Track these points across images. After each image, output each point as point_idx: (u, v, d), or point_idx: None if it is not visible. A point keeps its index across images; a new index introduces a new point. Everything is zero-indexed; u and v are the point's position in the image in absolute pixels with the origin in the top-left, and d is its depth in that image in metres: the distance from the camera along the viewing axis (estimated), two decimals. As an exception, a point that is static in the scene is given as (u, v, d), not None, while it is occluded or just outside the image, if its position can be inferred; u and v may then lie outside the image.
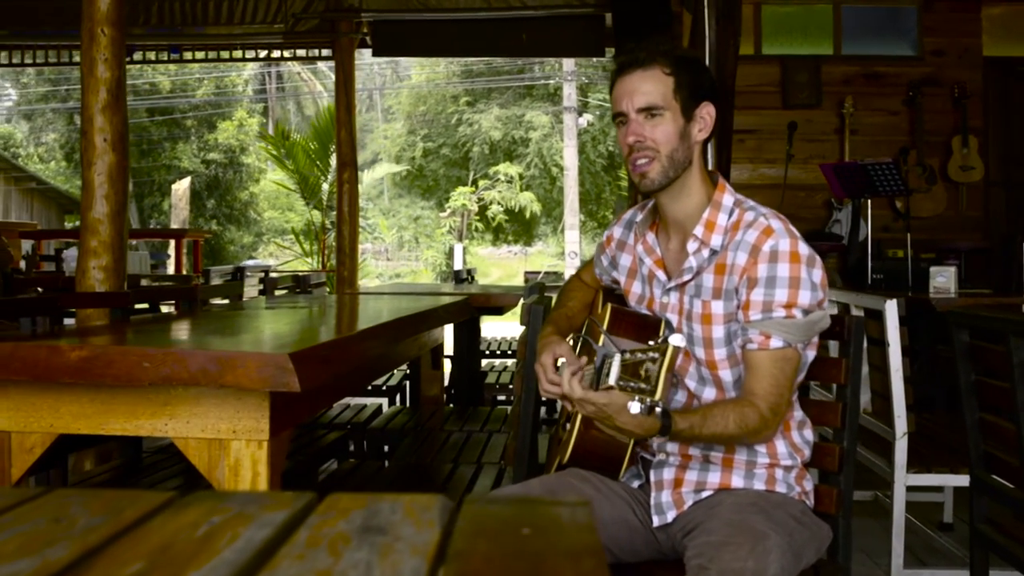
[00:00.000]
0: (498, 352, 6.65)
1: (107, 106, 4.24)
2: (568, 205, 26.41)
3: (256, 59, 11.28)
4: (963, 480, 3.08)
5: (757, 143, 8.01)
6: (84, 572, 0.61)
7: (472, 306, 4.62)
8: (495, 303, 5.03)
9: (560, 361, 2.12)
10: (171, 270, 13.00)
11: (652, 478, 2.15)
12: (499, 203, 28.12)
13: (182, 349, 2.09)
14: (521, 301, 3.70)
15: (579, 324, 2.43)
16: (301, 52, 11.00)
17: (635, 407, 1.72)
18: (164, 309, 4.80)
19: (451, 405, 5.14)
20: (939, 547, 4.04)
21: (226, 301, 5.00)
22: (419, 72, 31.49)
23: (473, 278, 8.15)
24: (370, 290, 7.29)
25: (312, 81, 31.19)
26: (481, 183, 28.66)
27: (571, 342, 2.30)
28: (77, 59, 4.49)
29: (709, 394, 2.13)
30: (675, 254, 2.17)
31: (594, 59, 17.27)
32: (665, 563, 2.13)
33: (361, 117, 29.70)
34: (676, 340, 1.74)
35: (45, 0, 8.87)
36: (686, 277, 2.11)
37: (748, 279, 2.01)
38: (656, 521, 2.10)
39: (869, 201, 6.37)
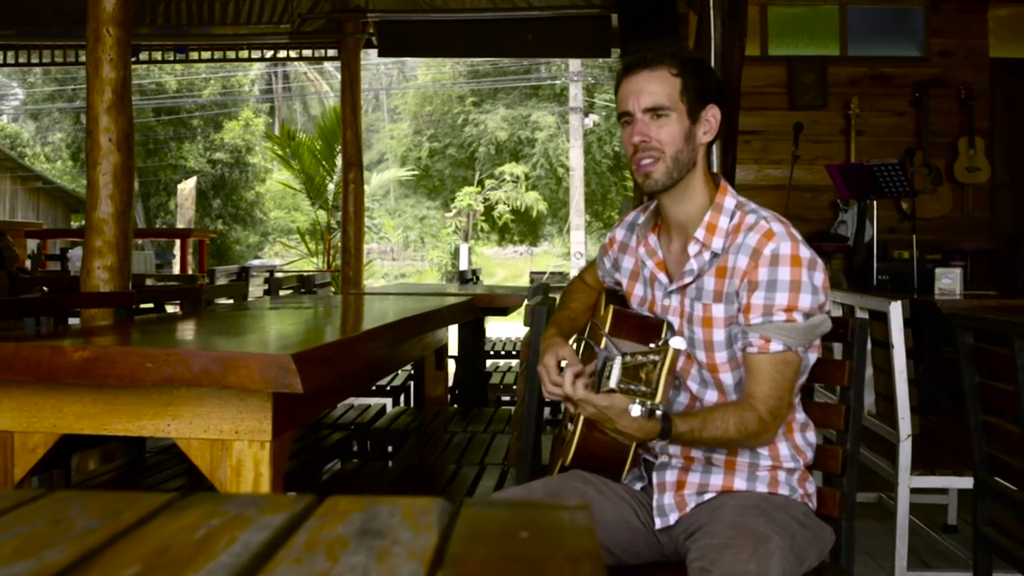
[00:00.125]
0: (502, 353, 6.65)
1: (112, 106, 4.24)
2: (574, 205, 26.40)
3: (262, 59, 11.28)
4: (967, 482, 3.08)
5: (763, 144, 8.00)
6: (81, 575, 0.61)
7: (476, 307, 4.62)
8: (500, 304, 5.03)
9: (563, 363, 2.12)
10: (176, 270, 13.03)
11: (654, 480, 2.15)
12: (505, 203, 28.12)
13: (185, 350, 2.10)
14: (525, 302, 3.70)
15: (582, 326, 2.43)
16: (307, 52, 10.99)
17: (636, 410, 1.72)
18: (169, 309, 4.80)
19: (455, 406, 5.14)
20: (943, 549, 4.03)
21: (230, 301, 5.00)
22: (425, 72, 31.51)
23: (478, 278, 8.15)
24: (375, 290, 7.29)
25: (318, 81, 31.22)
26: (487, 183, 28.66)
27: (574, 344, 2.30)
28: (83, 59, 4.49)
29: (711, 397, 2.12)
30: (677, 256, 2.16)
31: (600, 60, 17.26)
32: (667, 565, 2.13)
33: (367, 117, 29.74)
34: (676, 343, 1.74)
35: (51, 0, 8.90)
36: (687, 280, 2.11)
37: (749, 282, 2.01)
38: (658, 523, 2.10)
39: (875, 202, 6.38)
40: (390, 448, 4.00)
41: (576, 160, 26.55)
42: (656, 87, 2.06)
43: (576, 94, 26.65)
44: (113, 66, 4.24)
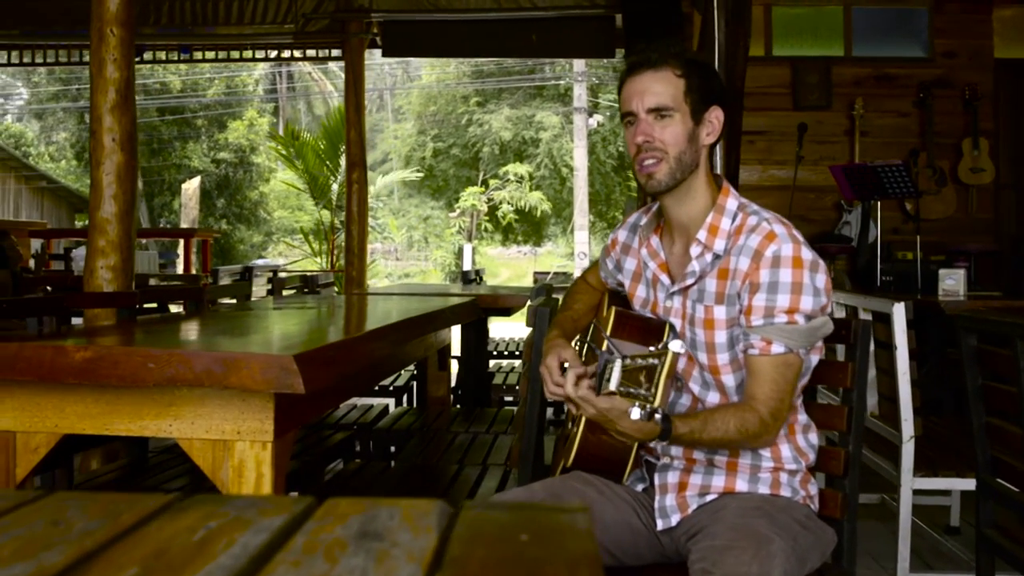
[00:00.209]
0: (506, 353, 6.65)
1: (116, 106, 4.24)
2: (578, 206, 26.41)
3: (266, 59, 11.29)
4: (970, 484, 3.07)
5: (767, 144, 8.00)
6: (79, 577, 0.61)
7: (479, 307, 4.62)
8: (503, 304, 5.03)
9: (565, 364, 2.12)
10: (180, 269, 13.04)
11: (656, 481, 2.15)
12: (509, 203, 28.13)
13: (187, 350, 2.10)
14: (528, 303, 3.70)
15: (585, 327, 2.43)
16: (311, 52, 11.01)
17: (636, 413, 1.73)
18: (173, 309, 4.81)
19: (458, 406, 5.14)
20: (946, 551, 4.03)
21: (233, 301, 5.00)
22: (430, 72, 31.52)
23: (481, 279, 8.15)
24: (378, 290, 7.29)
25: (323, 81, 31.26)
26: (491, 183, 28.67)
27: (577, 345, 2.30)
28: (87, 59, 4.49)
29: (713, 398, 2.12)
30: (679, 258, 2.16)
31: (604, 60, 17.24)
32: (669, 567, 2.13)
33: (372, 117, 29.77)
34: (676, 346, 1.74)
35: (55, 0, 8.91)
36: (689, 281, 2.10)
37: (750, 284, 2.01)
38: (660, 525, 2.10)
39: (879, 203, 6.37)
40: (393, 448, 4.00)
41: (580, 160, 26.56)
42: (660, 87, 2.06)
43: (580, 94, 26.67)
44: (117, 66, 4.24)
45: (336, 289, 7.59)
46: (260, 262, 21.49)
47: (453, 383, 5.36)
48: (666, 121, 2.06)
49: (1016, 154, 8.40)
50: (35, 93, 31.17)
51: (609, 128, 28.25)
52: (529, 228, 29.44)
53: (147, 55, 9.94)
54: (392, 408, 4.96)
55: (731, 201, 2.12)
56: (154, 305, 4.53)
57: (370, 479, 3.22)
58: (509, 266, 27.99)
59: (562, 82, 29.48)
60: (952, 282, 4.91)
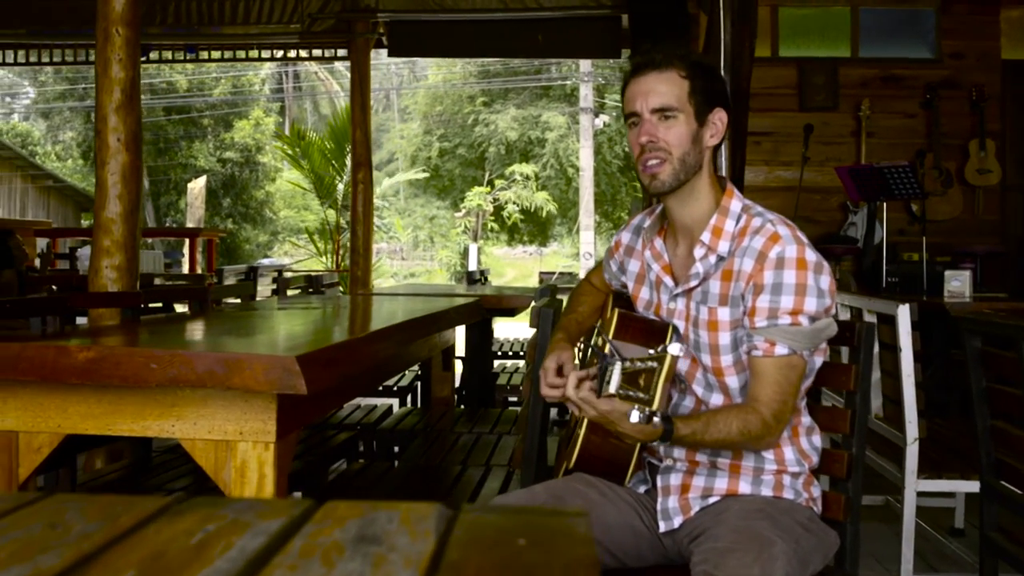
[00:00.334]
0: (510, 353, 6.65)
1: (121, 106, 4.25)
2: (583, 206, 26.39)
3: (272, 59, 11.30)
4: (974, 486, 3.06)
5: (773, 145, 7.99)
6: (75, 580, 0.61)
7: (484, 307, 4.62)
8: (507, 304, 5.02)
9: (563, 366, 2.13)
10: (185, 269, 13.05)
11: (659, 483, 2.14)
12: (515, 203, 28.11)
13: (189, 351, 2.10)
14: (532, 303, 3.70)
15: (589, 328, 2.43)
16: (317, 52, 11.02)
17: (635, 416, 1.73)
18: (178, 308, 4.81)
19: (461, 406, 5.14)
20: (949, 553, 4.02)
21: (238, 301, 5.01)
22: (436, 72, 31.52)
23: (487, 279, 8.15)
24: (383, 290, 7.29)
25: (329, 80, 31.26)
26: (497, 183, 28.66)
27: (581, 346, 2.30)
28: (93, 58, 4.51)
29: (716, 400, 2.12)
30: (682, 260, 2.16)
31: (611, 60, 17.24)
32: (671, 569, 2.12)
33: (378, 117, 29.79)
34: (675, 349, 1.74)
35: (63, 0, 8.93)
36: (693, 283, 2.10)
37: (754, 285, 2.00)
38: (663, 527, 2.10)
39: (885, 204, 6.36)
40: (396, 448, 4.00)
41: (586, 160, 26.55)
42: (665, 88, 2.06)
43: (586, 94, 26.65)
44: (122, 66, 4.24)
45: (341, 289, 7.59)
46: (265, 262, 21.52)
47: (457, 383, 5.36)
48: (670, 122, 2.06)
49: (1023, 155, 8.38)
50: (42, 92, 31.23)
51: (615, 128, 28.23)
52: (535, 228, 29.42)
53: (153, 55, 9.95)
54: (396, 408, 4.96)
55: (735, 203, 2.11)
56: (159, 305, 4.54)
57: (373, 480, 3.22)
58: (515, 266, 27.99)
59: (568, 82, 29.46)
60: (958, 283, 4.90)
